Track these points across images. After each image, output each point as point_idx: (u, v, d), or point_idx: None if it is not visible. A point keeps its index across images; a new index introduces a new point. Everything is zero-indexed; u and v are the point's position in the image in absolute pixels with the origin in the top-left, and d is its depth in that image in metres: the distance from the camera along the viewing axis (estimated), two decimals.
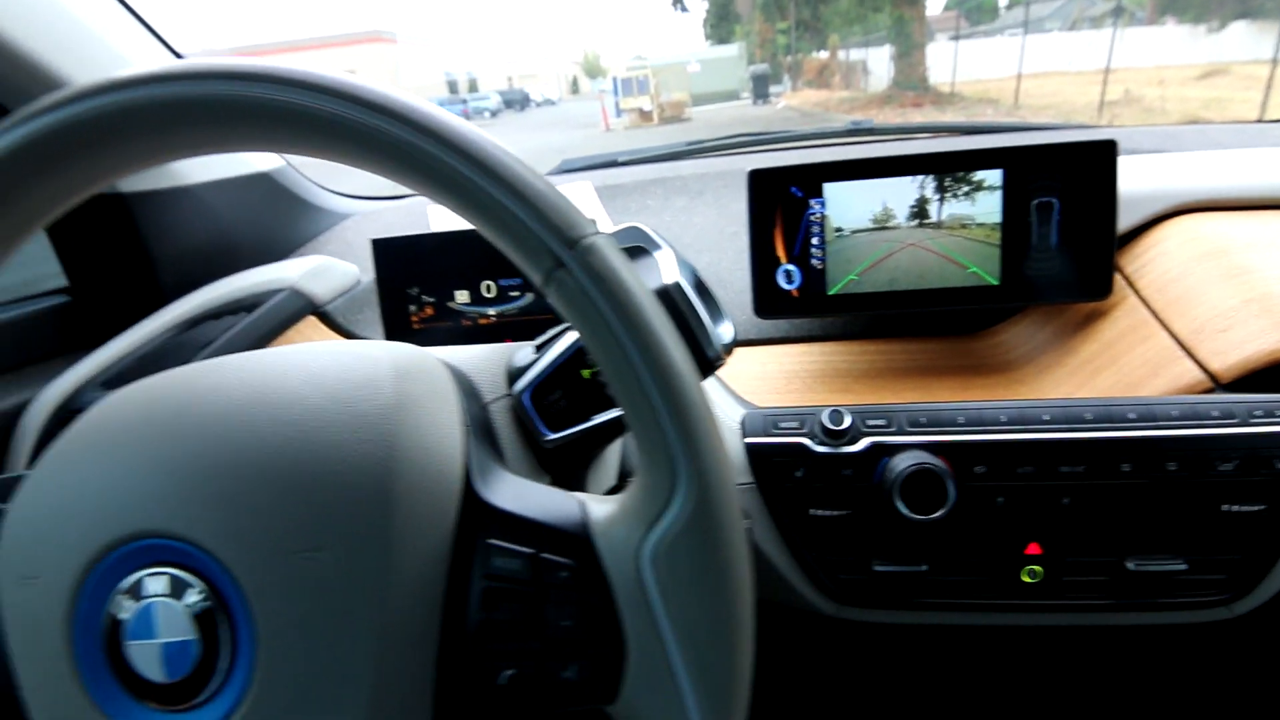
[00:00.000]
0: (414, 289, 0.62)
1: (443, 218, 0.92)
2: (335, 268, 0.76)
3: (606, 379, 0.25)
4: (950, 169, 0.60)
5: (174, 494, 0.25)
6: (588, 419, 0.37)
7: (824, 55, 22.61)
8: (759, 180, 0.62)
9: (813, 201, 0.61)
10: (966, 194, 0.60)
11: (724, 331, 0.37)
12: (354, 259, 0.84)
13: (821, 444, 0.49)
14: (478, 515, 0.28)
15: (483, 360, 0.38)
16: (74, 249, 0.72)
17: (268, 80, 0.23)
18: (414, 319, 0.62)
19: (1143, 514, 0.48)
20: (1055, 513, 0.48)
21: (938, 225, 0.61)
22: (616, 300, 0.23)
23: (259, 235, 0.83)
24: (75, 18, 0.63)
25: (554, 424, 0.37)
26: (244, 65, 0.23)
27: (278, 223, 0.85)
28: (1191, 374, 0.52)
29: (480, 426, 0.32)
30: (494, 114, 29.08)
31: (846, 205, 0.61)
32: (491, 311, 0.61)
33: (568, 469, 0.39)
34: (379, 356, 0.30)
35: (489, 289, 0.61)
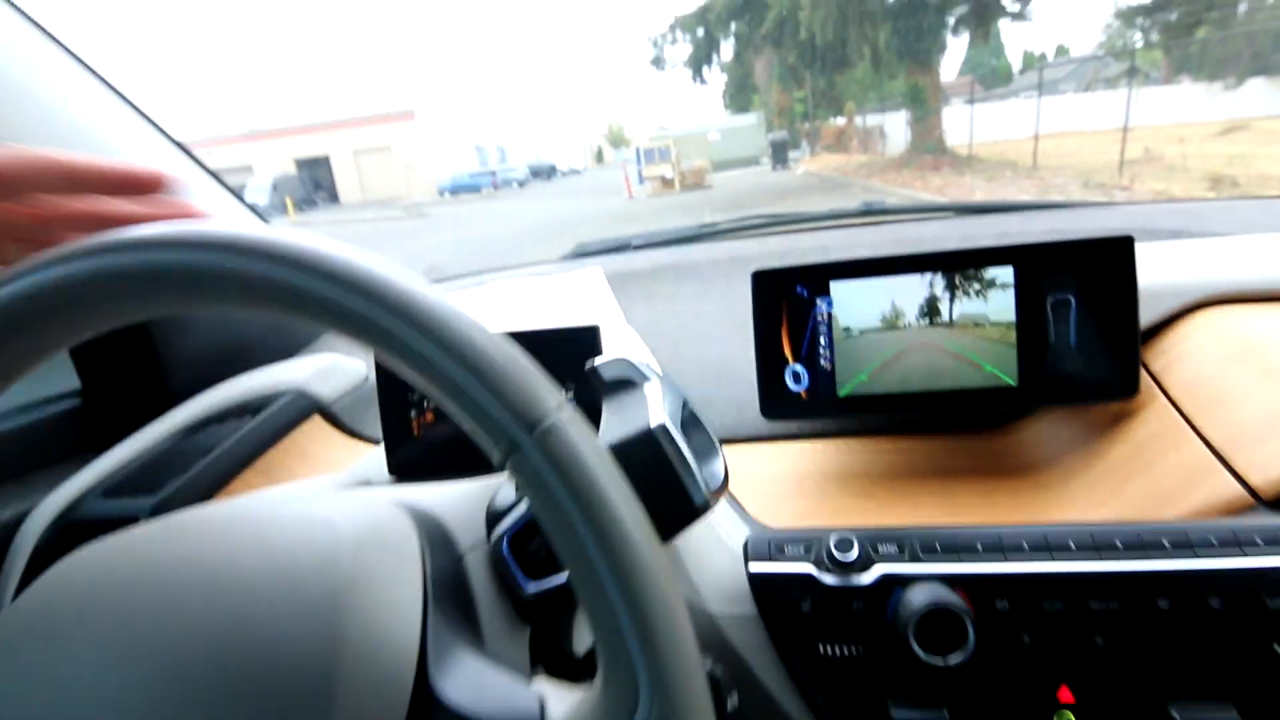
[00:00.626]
0: (415, 393, 0.61)
1: None
2: (342, 366, 0.76)
3: (567, 569, 0.23)
4: (959, 266, 0.58)
5: (104, 704, 0.24)
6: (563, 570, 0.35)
7: (841, 121, 23.16)
8: (763, 281, 0.61)
9: (819, 300, 0.60)
10: (978, 292, 0.58)
11: (715, 470, 0.35)
12: (364, 354, 0.84)
13: (829, 573, 0.46)
14: (428, 714, 0.26)
15: (463, 501, 0.36)
16: (87, 350, 0.73)
17: (200, 246, 0.22)
18: (414, 424, 0.61)
19: (1186, 654, 0.43)
20: (1088, 653, 0.44)
21: (950, 324, 0.59)
22: (576, 491, 0.22)
23: (272, 333, 0.84)
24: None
25: (535, 572, 0.34)
26: (184, 231, 0.23)
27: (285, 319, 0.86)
28: (1229, 489, 0.48)
29: (449, 586, 0.30)
30: (522, 184, 30.06)
31: (854, 304, 0.60)
32: None
33: (549, 618, 0.37)
34: (339, 524, 0.28)
35: None
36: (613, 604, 0.21)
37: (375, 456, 0.62)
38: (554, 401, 0.23)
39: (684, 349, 0.84)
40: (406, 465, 0.61)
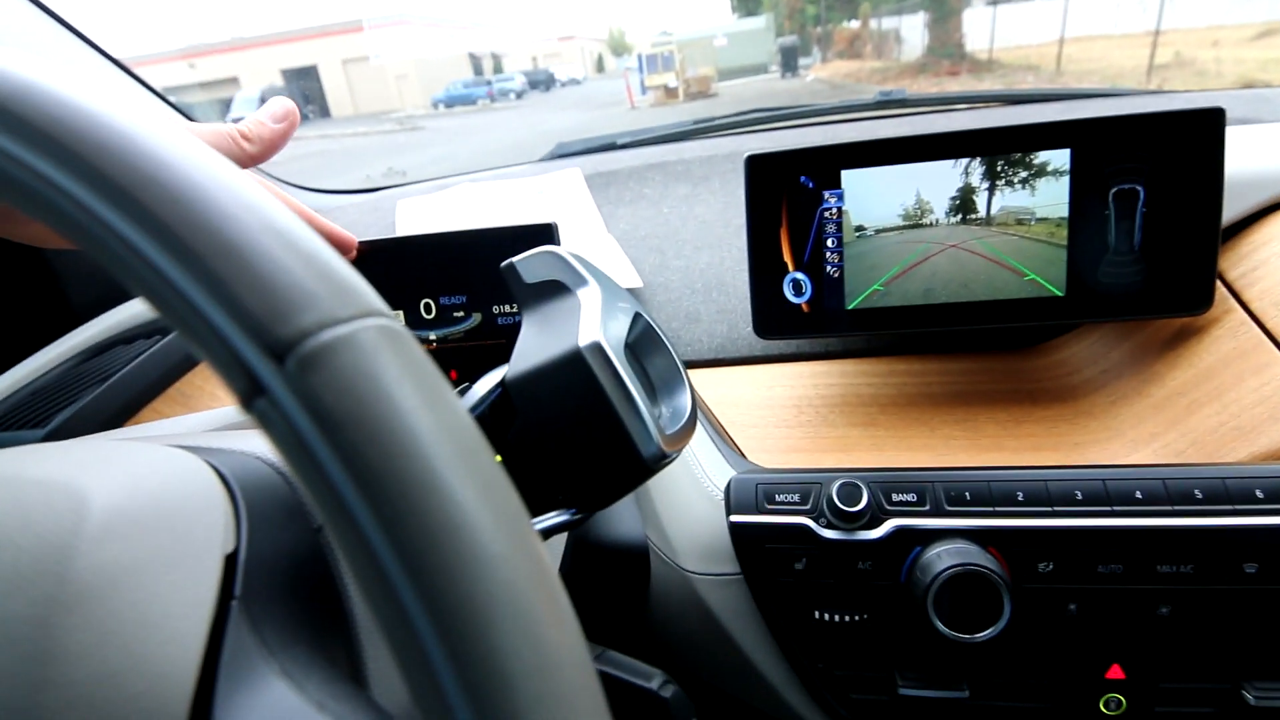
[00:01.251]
0: None
1: (414, 214, 0.82)
2: None
3: (343, 554, 0.14)
4: (1004, 149, 0.47)
5: None
6: None
7: (855, 25, 21.93)
8: (759, 168, 0.49)
9: (827, 194, 0.49)
10: (1024, 181, 0.47)
11: (679, 406, 0.26)
12: None
13: (830, 527, 0.37)
14: None
15: None
16: None
17: None
18: None
19: (1270, 626, 0.35)
20: (1148, 625, 0.36)
21: (987, 221, 0.48)
22: (352, 458, 0.12)
23: None
24: None
25: None
26: None
27: None
28: None
29: (289, 574, 0.21)
30: (519, 95, 28.88)
31: (870, 198, 0.49)
32: (432, 336, 0.50)
33: None
34: (94, 495, 0.19)
35: (428, 309, 0.50)
36: (424, 642, 0.12)
37: None
38: (344, 307, 0.13)
39: (670, 258, 0.74)
40: None
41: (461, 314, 0.50)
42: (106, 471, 0.19)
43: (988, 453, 0.49)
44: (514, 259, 0.26)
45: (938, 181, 0.48)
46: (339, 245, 0.43)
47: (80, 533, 0.17)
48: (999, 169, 0.47)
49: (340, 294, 0.13)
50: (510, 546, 0.13)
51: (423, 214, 0.81)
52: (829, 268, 0.50)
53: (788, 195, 0.50)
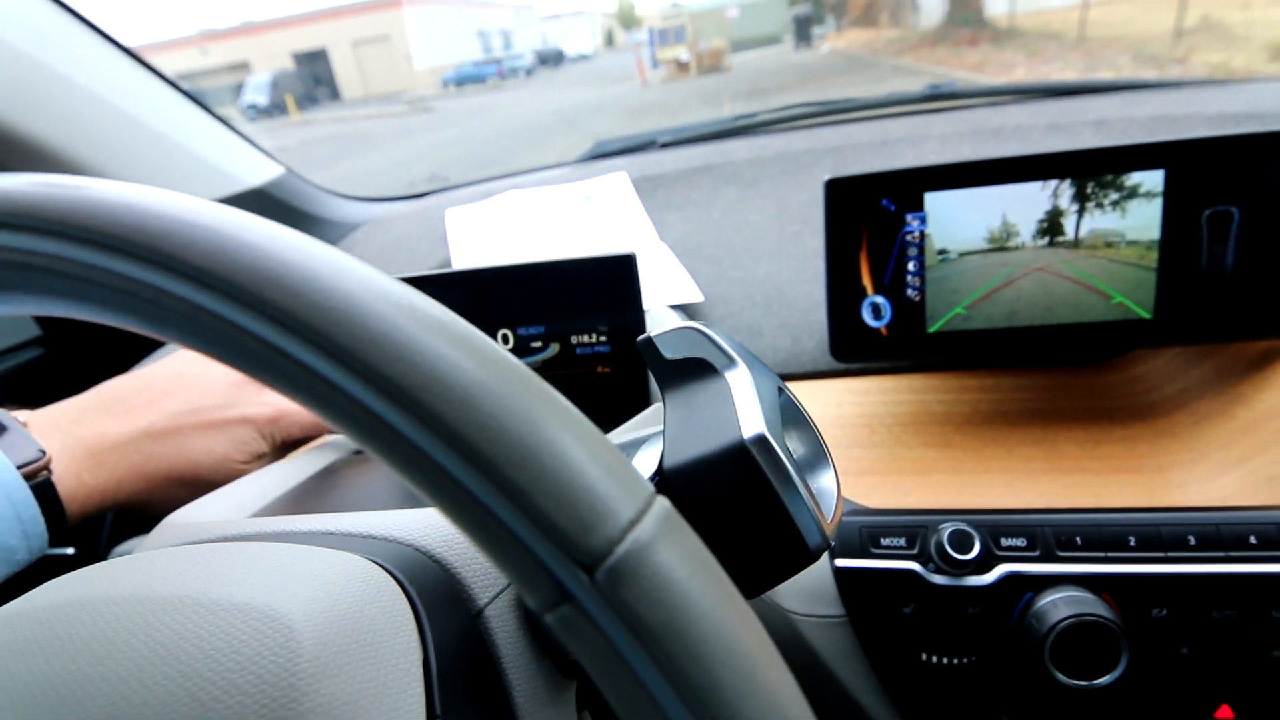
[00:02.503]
0: None
1: (464, 224, 0.81)
2: None
3: None
4: (1096, 171, 0.46)
5: None
6: None
7: None
8: (839, 193, 0.49)
9: (910, 217, 0.48)
10: (1115, 204, 0.46)
11: (828, 489, 0.26)
12: None
13: (939, 572, 0.38)
14: None
15: None
16: None
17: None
18: None
19: None
20: (1261, 666, 0.36)
21: (1075, 244, 0.47)
22: (674, 673, 0.12)
23: None
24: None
25: None
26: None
27: None
28: None
29: (461, 660, 0.21)
30: (529, 72, 28.60)
31: (954, 220, 0.48)
32: None
33: None
34: (296, 620, 0.19)
35: (505, 339, 0.50)
36: None
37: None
38: (633, 502, 0.13)
39: (727, 269, 0.73)
40: None
41: (540, 344, 0.50)
42: (297, 590, 0.19)
43: (1068, 475, 0.49)
44: (653, 334, 0.26)
45: (1025, 203, 0.47)
46: None
47: (297, 671, 0.17)
48: (1089, 191, 0.46)
49: (629, 489, 0.13)
50: None
51: (472, 223, 0.81)
52: (910, 291, 0.50)
53: (868, 219, 0.49)
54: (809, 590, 0.40)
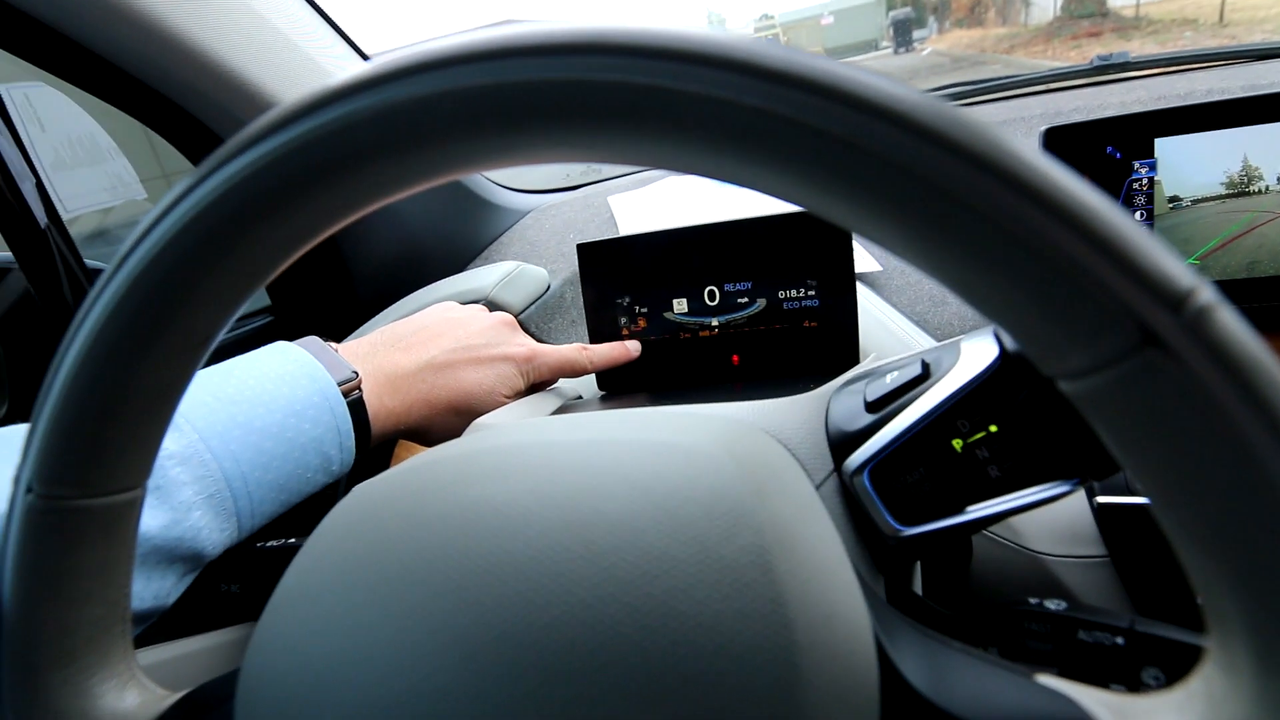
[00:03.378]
0: (624, 298, 0.54)
1: (629, 210, 0.85)
2: (528, 274, 0.71)
3: (1201, 533, 0.14)
4: None
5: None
6: (960, 510, 0.26)
7: None
8: (1059, 140, 0.48)
9: (1138, 164, 0.47)
10: None
11: None
12: (538, 259, 0.78)
13: None
14: (909, 716, 0.19)
15: (792, 420, 0.28)
16: None
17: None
18: (624, 332, 0.54)
19: None
20: None
21: None
22: (1269, 410, 0.13)
23: (447, 241, 0.79)
24: (270, 24, 0.60)
25: (905, 513, 0.27)
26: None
27: (463, 226, 0.82)
28: None
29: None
30: None
31: (1187, 166, 0.46)
32: (714, 322, 0.52)
33: (903, 569, 0.30)
34: (717, 454, 0.20)
35: (711, 295, 0.52)
36: None
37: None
38: (1191, 274, 0.14)
39: None
40: (618, 379, 0.55)
41: (746, 299, 0.51)
42: (702, 436, 0.21)
43: None
44: None
45: (1269, 145, 0.44)
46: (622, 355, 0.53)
47: (734, 488, 0.19)
48: None
49: (1179, 262, 0.14)
50: None
51: (637, 207, 0.84)
52: None
53: (1092, 167, 0.47)
54: (1064, 530, 0.39)
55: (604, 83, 0.15)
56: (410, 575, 0.19)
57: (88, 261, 0.55)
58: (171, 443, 0.35)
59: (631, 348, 0.53)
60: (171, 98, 0.58)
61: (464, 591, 0.18)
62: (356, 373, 0.42)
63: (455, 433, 0.46)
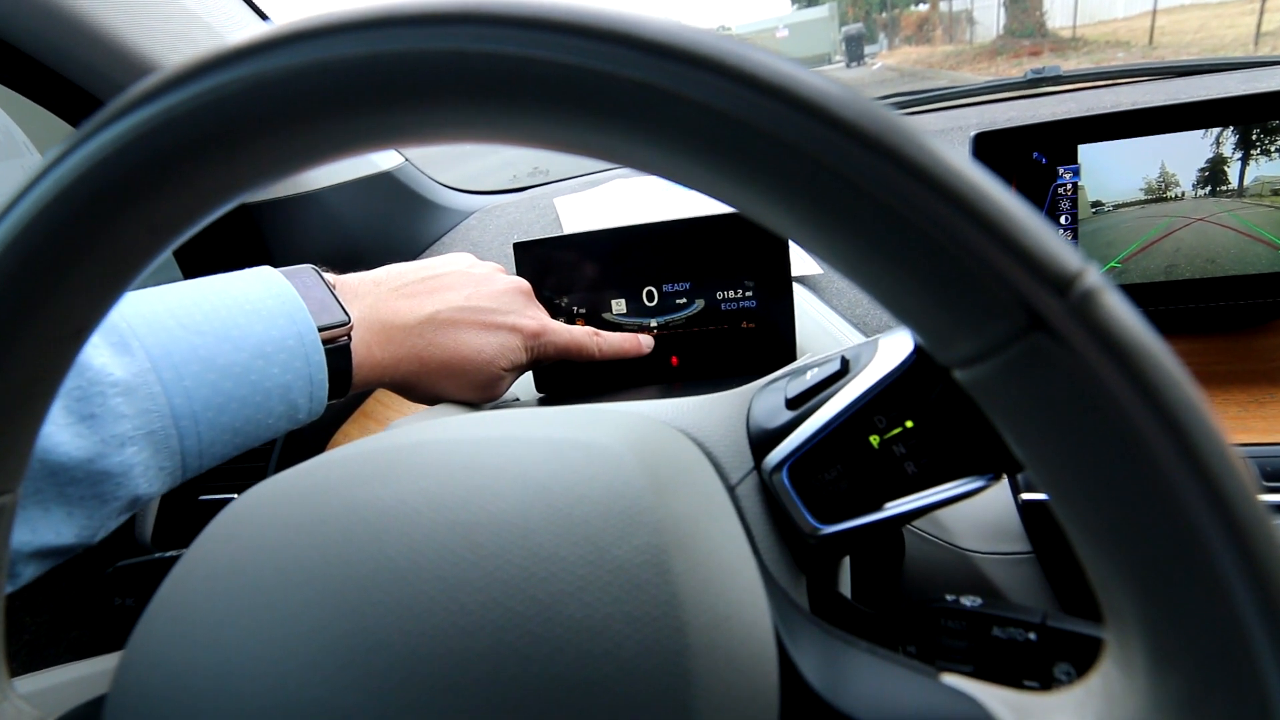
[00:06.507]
0: (562, 298, 0.53)
1: (575, 212, 0.84)
2: None
3: (1093, 525, 0.14)
4: (1262, 117, 0.45)
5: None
6: (878, 507, 0.26)
7: (924, 8, 21.24)
8: (988, 146, 0.49)
9: (1063, 169, 0.48)
10: None
11: None
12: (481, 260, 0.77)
13: None
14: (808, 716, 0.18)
15: (712, 417, 0.28)
16: (195, 259, 0.68)
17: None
18: None
19: None
20: None
21: (1239, 193, 0.46)
22: (1157, 398, 0.13)
23: (382, 239, 0.77)
24: None
25: (824, 511, 0.26)
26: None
27: (401, 224, 0.79)
28: None
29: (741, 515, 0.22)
30: None
31: (1108, 172, 0.47)
32: (653, 323, 0.52)
33: (828, 564, 0.29)
34: (620, 451, 0.19)
35: (650, 296, 0.51)
36: (1225, 578, 0.13)
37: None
38: (1080, 258, 0.13)
39: None
40: (557, 380, 0.54)
41: (684, 300, 0.51)
42: (611, 433, 0.20)
43: (1233, 435, 0.47)
44: None
45: (1184, 152, 0.46)
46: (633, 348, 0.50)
47: (635, 485, 0.18)
48: (1254, 137, 0.45)
49: (1066, 245, 0.14)
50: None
51: (585, 211, 0.83)
52: None
53: (1018, 172, 0.48)
54: (990, 527, 0.39)
55: (480, 53, 0.14)
56: (287, 582, 0.18)
57: None
58: (119, 368, 0.31)
59: (644, 342, 0.50)
60: (46, 63, 0.54)
61: (341, 598, 0.17)
62: (349, 318, 0.39)
63: (441, 394, 0.44)
